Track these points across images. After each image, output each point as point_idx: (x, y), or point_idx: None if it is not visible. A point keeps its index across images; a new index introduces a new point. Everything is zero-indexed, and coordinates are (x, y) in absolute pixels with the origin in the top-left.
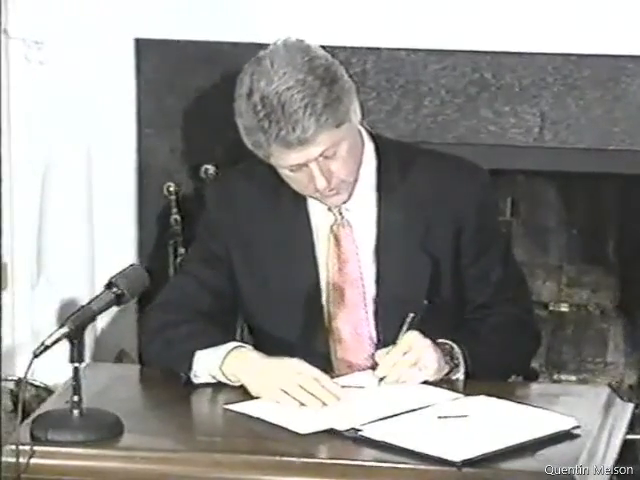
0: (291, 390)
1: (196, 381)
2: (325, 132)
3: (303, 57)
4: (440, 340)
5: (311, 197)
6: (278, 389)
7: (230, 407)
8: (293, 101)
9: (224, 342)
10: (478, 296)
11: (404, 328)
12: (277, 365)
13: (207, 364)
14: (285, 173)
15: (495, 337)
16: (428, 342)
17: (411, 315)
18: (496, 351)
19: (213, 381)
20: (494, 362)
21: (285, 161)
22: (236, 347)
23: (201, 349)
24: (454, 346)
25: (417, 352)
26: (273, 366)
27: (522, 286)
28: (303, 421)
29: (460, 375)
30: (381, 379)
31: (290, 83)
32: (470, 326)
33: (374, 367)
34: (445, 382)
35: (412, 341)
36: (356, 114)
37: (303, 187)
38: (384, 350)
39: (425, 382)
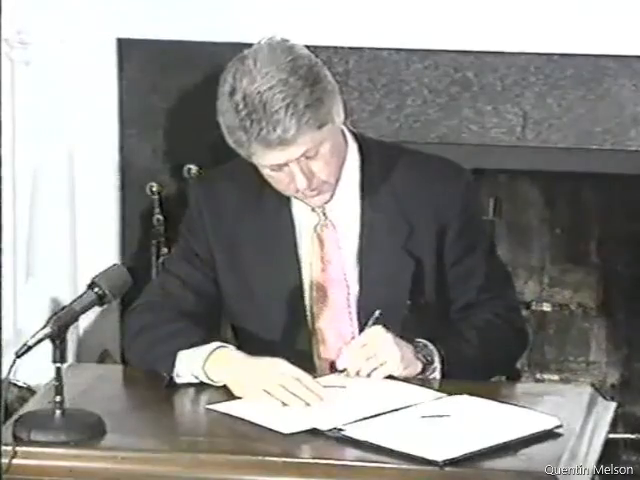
0: (273, 390)
1: (178, 381)
2: (306, 133)
3: (286, 57)
4: (416, 339)
5: (294, 197)
6: (260, 389)
7: (213, 407)
8: (275, 101)
9: (207, 342)
10: (463, 296)
11: (369, 323)
12: (259, 365)
13: (190, 364)
14: (267, 172)
15: (478, 336)
16: (389, 337)
17: (377, 312)
18: (479, 350)
19: (196, 381)
20: (476, 361)
21: (266, 160)
22: (219, 347)
23: (183, 349)
24: (428, 344)
25: (375, 346)
26: (255, 366)
27: (507, 285)
28: (286, 421)
29: (436, 374)
30: (341, 371)
31: (272, 82)
32: (453, 325)
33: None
34: (424, 381)
35: (372, 335)
36: (339, 115)
37: (284, 187)
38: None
39: (405, 380)
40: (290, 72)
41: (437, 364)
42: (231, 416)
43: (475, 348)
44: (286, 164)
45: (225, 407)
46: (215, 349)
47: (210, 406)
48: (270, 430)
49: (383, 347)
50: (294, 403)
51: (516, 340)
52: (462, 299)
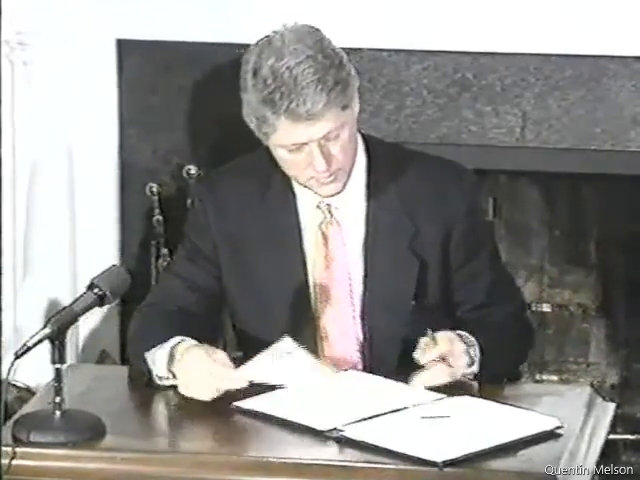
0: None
1: (167, 383)
2: (333, 110)
3: (312, 37)
4: (464, 334)
5: (305, 186)
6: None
7: (238, 404)
8: (305, 75)
9: (201, 340)
10: (471, 297)
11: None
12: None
13: (161, 364)
14: (283, 156)
15: (497, 336)
16: (463, 347)
17: None
18: (500, 350)
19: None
20: (499, 361)
21: (289, 138)
22: (178, 343)
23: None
24: (476, 346)
25: (454, 358)
26: (184, 358)
27: (514, 285)
28: (320, 417)
29: (474, 368)
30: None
31: (301, 58)
32: (472, 326)
33: (364, 370)
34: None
35: (451, 343)
36: (356, 106)
37: (300, 171)
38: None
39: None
40: (318, 50)
41: (477, 364)
42: (230, 416)
43: (496, 348)
44: (307, 144)
45: (251, 404)
46: (175, 345)
47: (236, 403)
48: (268, 430)
49: (457, 362)
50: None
51: (528, 339)
52: (471, 300)
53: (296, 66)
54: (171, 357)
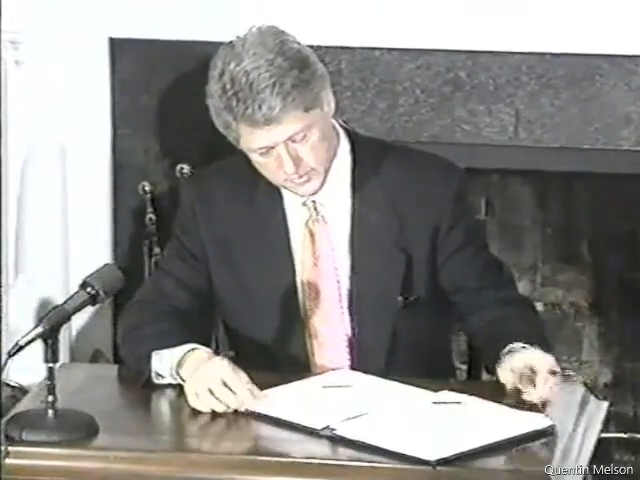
0: (202, 394)
1: (163, 382)
2: (292, 113)
3: (275, 39)
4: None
5: (283, 187)
6: (194, 392)
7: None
8: (261, 79)
9: (195, 341)
10: (471, 279)
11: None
12: (203, 367)
13: (165, 366)
14: (256, 159)
15: (529, 324)
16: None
17: None
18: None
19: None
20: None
21: (253, 142)
22: (191, 349)
23: (166, 349)
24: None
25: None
26: (200, 368)
27: (510, 271)
28: (313, 415)
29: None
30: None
31: (259, 62)
32: (506, 325)
33: (353, 367)
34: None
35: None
36: (329, 104)
37: (273, 174)
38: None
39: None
40: (278, 53)
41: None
42: (223, 415)
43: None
44: (273, 147)
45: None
46: (188, 352)
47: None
48: (263, 430)
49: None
50: (218, 408)
51: (538, 317)
52: (472, 282)
53: (253, 70)
54: (180, 363)
